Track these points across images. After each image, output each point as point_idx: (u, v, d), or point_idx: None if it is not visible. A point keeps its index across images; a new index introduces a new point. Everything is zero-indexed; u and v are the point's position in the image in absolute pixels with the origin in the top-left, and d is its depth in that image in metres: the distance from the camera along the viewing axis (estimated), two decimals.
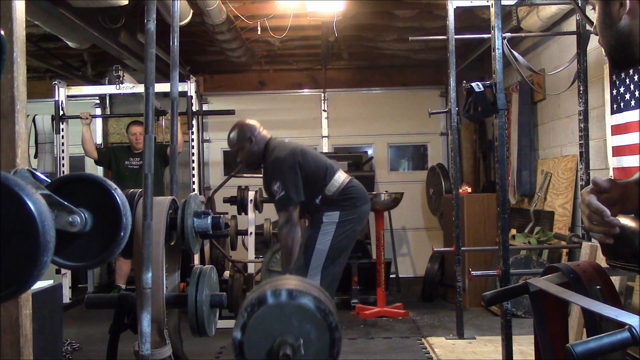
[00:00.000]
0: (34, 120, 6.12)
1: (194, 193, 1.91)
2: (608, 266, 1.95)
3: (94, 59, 6.45)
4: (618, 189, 1.41)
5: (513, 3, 4.28)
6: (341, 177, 3.40)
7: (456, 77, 4.19)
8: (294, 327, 1.50)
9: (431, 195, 6.68)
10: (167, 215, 1.78)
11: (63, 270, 5.25)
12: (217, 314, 1.89)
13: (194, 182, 5.50)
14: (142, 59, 2.24)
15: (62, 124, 5.69)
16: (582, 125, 4.12)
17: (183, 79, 5.31)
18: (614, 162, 3.89)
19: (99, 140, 6.89)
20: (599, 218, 1.38)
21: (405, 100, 7.33)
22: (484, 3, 4.02)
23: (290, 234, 3.21)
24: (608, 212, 1.38)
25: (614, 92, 3.86)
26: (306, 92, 7.39)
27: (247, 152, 3.45)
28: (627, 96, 3.70)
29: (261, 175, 5.45)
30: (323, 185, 3.32)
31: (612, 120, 3.90)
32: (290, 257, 3.24)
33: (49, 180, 1.31)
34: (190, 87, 5.42)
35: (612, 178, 1.44)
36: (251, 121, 3.51)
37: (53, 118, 5.74)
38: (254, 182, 5.33)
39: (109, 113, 7.08)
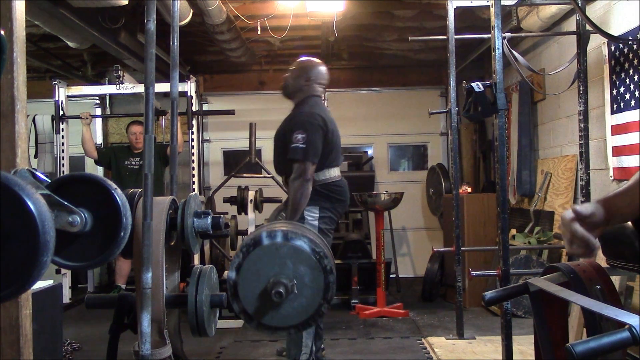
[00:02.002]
0: (34, 120, 6.12)
1: (194, 193, 1.91)
2: (608, 266, 1.95)
3: (94, 59, 6.45)
4: (601, 213, 1.40)
5: (513, 3, 4.28)
6: (335, 172, 3.32)
7: (456, 77, 4.19)
8: (288, 269, 1.50)
9: (431, 195, 6.68)
10: (167, 215, 1.78)
11: (63, 270, 5.25)
12: (217, 314, 1.89)
13: (194, 182, 5.50)
14: (142, 59, 2.24)
15: (62, 124, 5.70)
16: (582, 125, 4.11)
17: (183, 79, 5.31)
18: (614, 162, 3.89)
19: (99, 140, 6.89)
20: (581, 244, 1.39)
21: (405, 100, 7.33)
22: (484, 3, 4.02)
23: (301, 188, 3.08)
24: (593, 242, 1.38)
25: (614, 92, 3.86)
26: None
27: (295, 82, 3.35)
28: (627, 96, 3.70)
29: (261, 176, 5.48)
30: (319, 167, 3.21)
31: (612, 120, 3.90)
32: (297, 212, 3.12)
33: (49, 180, 1.31)
34: (190, 87, 5.42)
35: (595, 201, 1.43)
36: (324, 70, 3.42)
37: (53, 118, 5.74)
38: (254, 182, 5.34)
39: (109, 113, 7.09)
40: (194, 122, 5.54)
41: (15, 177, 1.06)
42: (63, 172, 5.63)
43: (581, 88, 4.09)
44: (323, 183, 3.22)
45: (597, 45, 4.10)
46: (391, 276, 5.76)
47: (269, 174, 5.20)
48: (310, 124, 3.16)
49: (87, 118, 5.60)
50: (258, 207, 4.91)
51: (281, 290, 1.45)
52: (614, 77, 3.87)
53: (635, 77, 3.61)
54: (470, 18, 5.14)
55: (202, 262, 5.02)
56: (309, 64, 3.40)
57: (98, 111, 6.99)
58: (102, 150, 5.99)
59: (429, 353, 3.87)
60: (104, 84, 6.04)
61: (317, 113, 3.22)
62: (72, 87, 5.86)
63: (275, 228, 1.55)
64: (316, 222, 3.19)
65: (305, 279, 1.50)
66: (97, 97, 6.97)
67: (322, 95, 3.43)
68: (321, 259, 1.51)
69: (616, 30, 3.84)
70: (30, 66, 6.15)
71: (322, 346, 3.51)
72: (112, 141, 7.09)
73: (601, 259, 2.77)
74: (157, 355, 1.68)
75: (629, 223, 1.79)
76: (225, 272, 4.99)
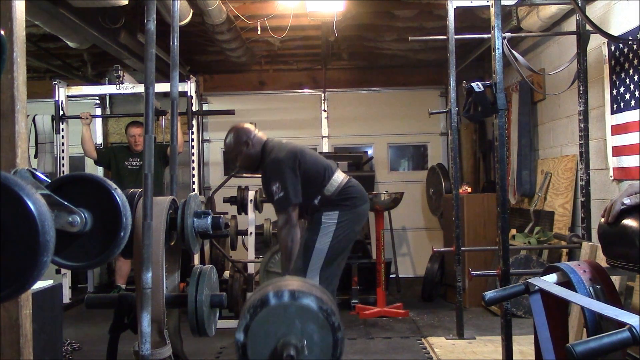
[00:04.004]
0: (34, 120, 6.12)
1: (194, 193, 1.91)
2: (608, 266, 1.95)
3: (94, 59, 6.45)
4: None
5: (513, 3, 4.28)
6: (340, 177, 3.39)
7: (456, 77, 4.19)
8: (297, 328, 1.49)
9: (431, 195, 6.68)
10: (167, 215, 1.78)
11: (63, 270, 5.25)
12: (217, 314, 1.89)
13: (194, 182, 5.50)
14: (142, 59, 2.24)
15: (62, 124, 5.69)
16: (582, 125, 4.12)
17: (183, 79, 5.31)
18: (614, 162, 3.89)
19: (99, 140, 6.89)
20: None
21: (405, 100, 7.33)
22: (484, 3, 4.02)
23: (289, 235, 3.21)
24: None
25: (614, 92, 3.86)
26: (306, 92, 7.39)
27: (244, 156, 3.45)
28: (627, 96, 3.70)
29: (260, 176, 5.48)
30: (322, 186, 3.31)
31: (612, 120, 3.90)
32: (290, 259, 3.24)
33: (49, 180, 1.31)
34: (190, 87, 5.42)
35: None
36: (246, 125, 3.52)
37: (53, 118, 5.74)
38: (254, 182, 5.33)
39: (109, 113, 7.09)
40: (194, 122, 5.54)
41: (15, 177, 1.06)
42: (63, 172, 5.63)
43: (581, 88, 4.09)
44: (337, 192, 3.30)
45: (597, 45, 4.10)
46: (391, 276, 5.76)
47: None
48: (276, 171, 3.27)
49: (87, 118, 5.60)
50: (258, 207, 4.91)
51: (292, 353, 1.45)
52: (614, 77, 3.87)
53: (635, 77, 3.61)
54: (470, 18, 5.13)
55: (202, 262, 5.02)
56: (235, 135, 3.46)
57: (98, 111, 6.99)
58: (102, 151, 5.98)
59: (429, 353, 3.87)
60: (104, 84, 6.04)
61: (278, 156, 3.31)
62: (72, 87, 5.86)
63: (282, 287, 1.55)
64: (333, 227, 3.25)
65: (314, 337, 1.50)
66: (97, 97, 6.97)
67: (267, 137, 3.51)
68: (329, 317, 1.51)
69: (616, 30, 3.84)
70: (30, 66, 6.15)
71: None
72: (112, 141, 7.09)
73: (601, 259, 2.77)
74: (157, 355, 1.68)
75: (629, 223, 1.79)
76: (226, 272, 5.00)
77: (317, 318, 1.50)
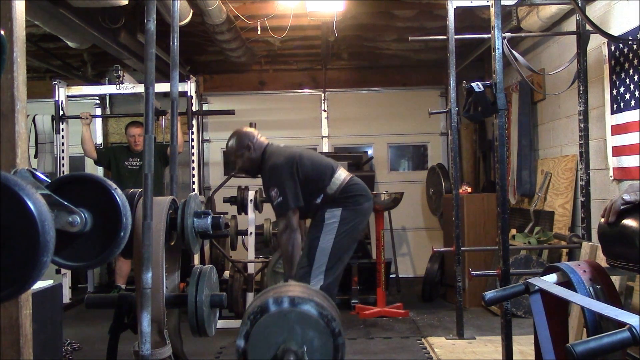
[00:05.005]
0: (34, 120, 6.12)
1: (194, 193, 1.91)
2: (608, 266, 1.95)
3: (94, 59, 6.45)
4: None
5: (513, 3, 4.28)
6: (342, 175, 3.40)
7: (456, 77, 4.19)
8: (297, 334, 1.49)
9: (431, 195, 6.68)
10: (167, 215, 1.78)
11: (63, 270, 5.25)
12: (217, 314, 1.89)
13: (194, 182, 5.50)
14: (142, 59, 2.24)
15: (62, 124, 5.69)
16: (582, 125, 4.12)
17: (183, 79, 5.31)
18: (614, 162, 3.89)
19: (99, 140, 6.89)
20: None
21: (405, 100, 7.33)
22: (484, 3, 4.02)
23: (290, 239, 3.23)
24: None
25: (614, 92, 3.86)
26: (306, 92, 7.39)
27: (246, 160, 3.47)
28: (627, 96, 3.70)
29: (260, 176, 5.48)
30: (324, 186, 3.33)
31: (612, 120, 3.90)
32: (292, 263, 3.25)
33: (49, 180, 1.31)
34: (190, 87, 5.42)
35: None
36: (248, 129, 3.56)
37: (53, 118, 5.74)
38: (254, 182, 5.31)
39: (109, 113, 7.09)
40: (194, 122, 5.54)
41: (15, 177, 1.06)
42: (63, 172, 5.63)
43: (581, 88, 4.09)
44: (339, 190, 3.30)
45: (597, 45, 4.10)
46: (391, 276, 5.76)
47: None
48: (275, 176, 3.30)
49: (87, 118, 5.60)
50: (258, 207, 4.91)
51: (292, 359, 1.45)
52: (614, 77, 3.87)
53: (635, 77, 3.61)
54: (470, 18, 5.13)
55: (202, 262, 5.02)
56: (237, 139, 3.51)
57: (98, 111, 6.99)
58: (102, 151, 5.98)
59: (429, 353, 3.87)
60: (104, 84, 6.04)
61: (276, 162, 3.33)
62: (72, 87, 5.86)
63: (282, 293, 1.54)
64: (336, 224, 3.26)
65: (314, 343, 1.50)
66: (97, 97, 6.97)
67: (268, 142, 3.54)
68: (329, 322, 1.51)
69: (616, 30, 3.84)
70: (30, 66, 6.14)
71: None
72: (112, 141, 7.09)
73: (601, 259, 2.77)
74: (157, 355, 1.68)
75: (629, 223, 1.79)
76: (226, 272, 5.00)
77: (318, 324, 1.50)
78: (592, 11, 4.16)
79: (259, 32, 5.32)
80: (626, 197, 1.82)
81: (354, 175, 3.47)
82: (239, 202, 4.84)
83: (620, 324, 1.34)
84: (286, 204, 3.23)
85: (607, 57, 3.95)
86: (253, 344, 1.50)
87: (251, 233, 4.77)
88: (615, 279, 2.94)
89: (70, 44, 5.07)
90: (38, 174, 1.28)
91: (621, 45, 3.74)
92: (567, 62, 4.24)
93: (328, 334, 1.50)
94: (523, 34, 4.98)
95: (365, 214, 3.45)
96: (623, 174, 3.80)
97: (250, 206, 4.79)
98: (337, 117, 7.35)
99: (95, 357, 3.87)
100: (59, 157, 5.69)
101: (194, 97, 5.53)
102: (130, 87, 5.62)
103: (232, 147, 3.50)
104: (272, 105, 7.33)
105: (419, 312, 5.10)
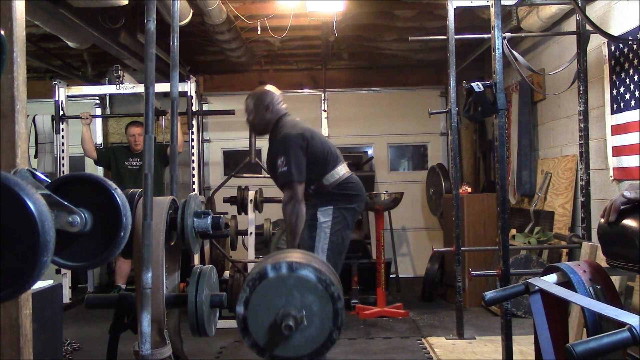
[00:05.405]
0: (34, 120, 6.12)
1: (194, 193, 1.91)
2: (608, 266, 1.95)
3: (94, 59, 6.45)
4: None
5: (513, 3, 4.28)
6: (342, 170, 3.36)
7: (456, 77, 4.19)
8: (296, 299, 1.50)
9: (431, 195, 6.68)
10: (167, 215, 1.78)
11: (63, 270, 5.25)
12: (217, 314, 1.89)
13: (194, 182, 5.50)
14: (142, 59, 2.24)
15: (62, 124, 5.69)
16: (582, 125, 4.12)
17: (183, 79, 5.30)
18: (614, 162, 3.89)
19: (99, 140, 6.89)
20: None
21: (405, 100, 7.33)
22: (484, 3, 4.02)
23: (294, 210, 3.16)
24: None
25: (614, 92, 3.86)
26: (306, 92, 7.39)
27: (259, 118, 3.40)
28: (627, 96, 3.70)
29: (261, 176, 5.48)
30: (322, 174, 3.26)
31: (612, 120, 3.90)
32: (295, 234, 3.17)
33: (49, 180, 1.31)
34: (190, 87, 5.42)
35: None
36: (275, 91, 3.47)
37: (53, 118, 5.74)
38: (254, 182, 5.33)
39: (109, 113, 7.09)
40: (194, 122, 5.54)
41: (15, 177, 1.06)
42: (63, 172, 5.63)
43: (581, 88, 4.09)
44: (335, 184, 3.27)
45: (597, 45, 4.10)
46: (391, 276, 5.76)
47: (269, 174, 5.19)
48: (285, 146, 3.23)
49: (87, 118, 5.60)
50: (258, 207, 4.91)
51: (291, 323, 1.45)
52: (614, 77, 3.87)
53: (635, 77, 3.61)
54: (470, 18, 5.13)
55: (202, 262, 5.02)
56: (260, 94, 3.45)
57: (98, 111, 6.99)
58: (102, 151, 5.98)
59: (429, 353, 3.87)
60: (104, 84, 6.04)
61: (290, 133, 3.27)
62: (72, 87, 5.86)
63: (280, 259, 1.55)
64: (330, 223, 3.22)
65: (313, 308, 1.50)
66: (97, 97, 6.97)
67: (287, 112, 3.48)
68: (328, 287, 1.51)
69: (616, 30, 3.84)
70: (30, 66, 6.14)
71: None
72: (112, 141, 7.09)
73: (601, 259, 2.77)
74: (157, 355, 1.68)
75: (629, 223, 1.79)
76: (226, 272, 5.00)
77: (316, 288, 1.50)
78: (592, 11, 4.16)
79: (259, 32, 5.32)
80: (627, 194, 1.82)
81: (353, 174, 3.44)
82: (239, 202, 4.84)
83: (620, 324, 1.34)
84: (290, 174, 3.17)
85: (607, 57, 3.95)
86: (252, 310, 1.50)
87: (251, 233, 4.77)
88: (615, 279, 2.95)
89: (70, 44, 5.07)
90: (38, 174, 1.28)
91: (621, 45, 3.74)
92: (567, 62, 4.24)
93: (327, 298, 1.50)
94: (523, 34, 4.98)
95: (356, 214, 3.41)
96: (623, 174, 3.80)
97: (250, 206, 4.79)
98: (337, 117, 7.35)
99: (95, 357, 3.86)
100: (59, 157, 5.69)
101: (194, 97, 5.52)
102: (130, 87, 5.62)
103: (251, 102, 3.44)
104: None
105: (419, 312, 5.10)
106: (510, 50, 3.98)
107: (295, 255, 1.59)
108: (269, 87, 3.49)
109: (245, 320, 1.51)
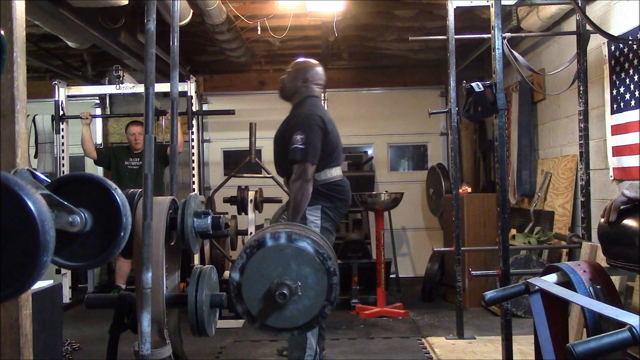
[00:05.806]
0: (34, 120, 6.12)
1: (194, 193, 1.91)
2: (608, 266, 1.95)
3: (94, 59, 6.45)
4: None
5: (513, 3, 4.28)
6: (336, 172, 3.31)
7: (456, 77, 4.19)
8: (292, 270, 1.50)
9: (431, 195, 6.68)
10: (167, 215, 1.77)
11: (63, 270, 5.25)
12: (217, 314, 1.89)
13: (194, 182, 5.50)
14: (142, 59, 2.24)
15: (62, 124, 5.70)
16: (582, 125, 4.12)
17: (183, 79, 5.31)
18: (614, 162, 3.89)
19: (99, 140, 6.89)
20: None
21: (405, 100, 7.33)
22: (484, 3, 4.02)
23: (302, 188, 3.09)
24: None
25: (614, 92, 3.86)
26: None
27: (293, 84, 3.36)
28: (627, 96, 3.70)
29: (261, 176, 5.48)
30: (322, 167, 3.22)
31: (612, 120, 3.90)
32: (297, 212, 3.12)
33: (49, 180, 1.31)
34: (190, 87, 5.42)
35: None
36: (320, 69, 3.41)
37: (53, 118, 5.74)
38: (254, 182, 5.34)
39: (109, 113, 7.09)
40: (194, 122, 5.54)
41: (15, 177, 1.06)
42: (63, 172, 5.63)
43: (581, 88, 4.09)
44: (324, 183, 3.22)
45: (597, 45, 4.10)
46: (391, 276, 5.76)
47: (269, 174, 5.20)
48: (308, 125, 3.16)
49: (87, 118, 5.60)
50: (258, 207, 4.91)
51: (285, 291, 1.45)
52: (614, 77, 3.87)
53: (635, 77, 3.61)
54: (470, 18, 5.13)
55: (202, 262, 5.02)
56: (306, 65, 3.40)
57: (98, 111, 6.99)
58: (102, 151, 5.98)
59: (429, 353, 3.87)
60: (104, 84, 6.04)
61: (315, 113, 3.22)
62: (72, 87, 5.86)
63: (279, 229, 1.55)
64: (319, 222, 3.19)
65: (308, 280, 1.50)
66: (97, 97, 6.97)
67: (321, 96, 3.43)
68: (325, 261, 1.51)
69: (616, 30, 3.84)
70: (30, 66, 6.14)
71: (323, 346, 3.52)
72: (112, 141, 7.09)
73: (601, 259, 2.77)
74: (157, 355, 1.68)
75: (629, 223, 1.79)
76: (226, 272, 5.00)
77: (313, 261, 1.50)
78: (592, 11, 4.16)
79: (259, 32, 5.32)
80: (627, 192, 1.81)
81: (344, 178, 3.39)
82: (239, 202, 4.84)
83: (620, 324, 1.34)
84: (307, 153, 3.10)
85: (607, 57, 3.95)
86: (248, 277, 1.51)
87: (251, 233, 4.77)
88: (615, 279, 2.94)
89: (70, 44, 5.07)
90: (38, 174, 1.28)
91: (621, 45, 3.74)
92: (567, 62, 4.24)
93: (323, 271, 1.50)
94: (523, 34, 4.98)
95: (339, 217, 3.38)
96: (623, 174, 3.80)
97: (250, 206, 4.80)
98: (337, 116, 7.22)
99: (95, 357, 3.87)
100: (59, 157, 5.69)
101: (194, 97, 5.53)
102: (130, 87, 5.62)
103: (293, 70, 3.39)
104: (272, 105, 7.24)
105: (419, 312, 5.10)
106: (510, 50, 3.98)
107: (296, 228, 1.59)
108: (319, 67, 3.44)
109: (239, 286, 1.51)
